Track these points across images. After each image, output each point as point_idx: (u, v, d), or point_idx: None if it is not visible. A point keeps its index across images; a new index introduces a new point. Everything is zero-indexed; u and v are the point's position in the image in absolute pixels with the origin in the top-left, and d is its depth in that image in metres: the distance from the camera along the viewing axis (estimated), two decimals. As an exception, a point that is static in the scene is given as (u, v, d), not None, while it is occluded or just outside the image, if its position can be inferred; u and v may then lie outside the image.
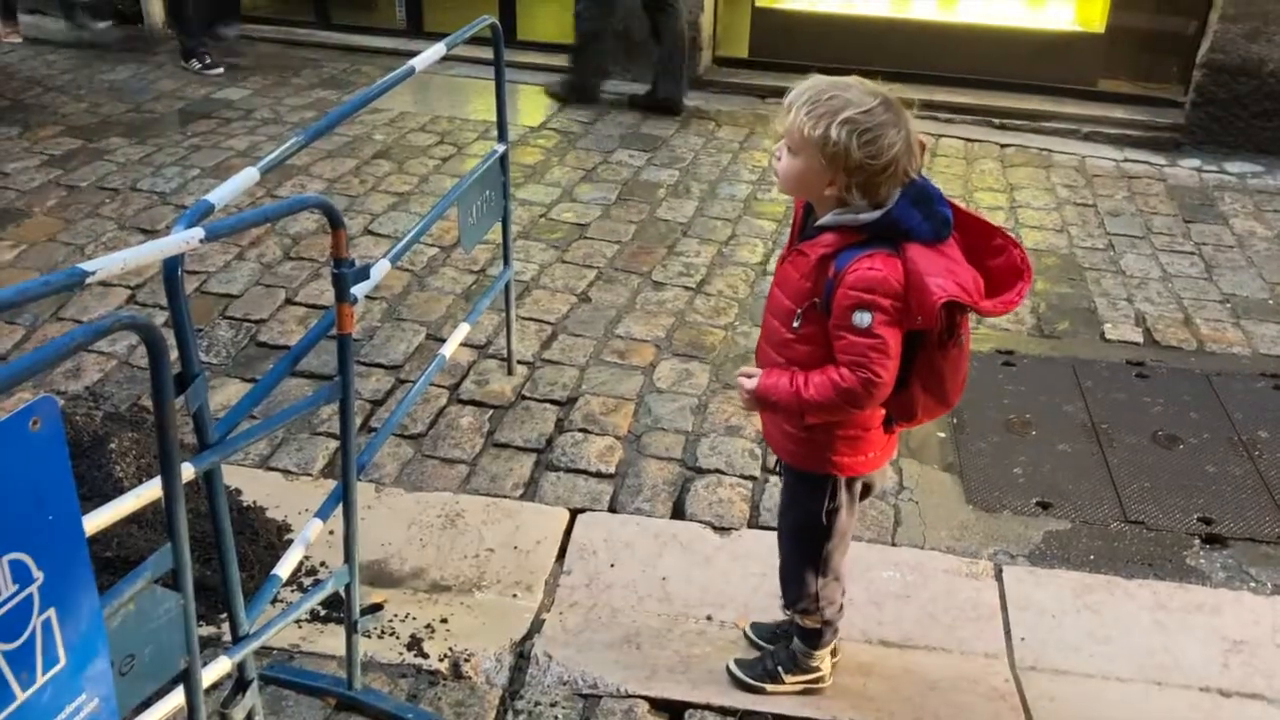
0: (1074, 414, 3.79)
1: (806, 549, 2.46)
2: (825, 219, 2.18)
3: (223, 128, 5.86)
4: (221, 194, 2.01)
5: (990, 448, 3.61)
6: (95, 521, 1.74)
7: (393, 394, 3.71)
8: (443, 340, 3.91)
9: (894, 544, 3.17)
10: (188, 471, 1.94)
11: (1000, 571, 3.09)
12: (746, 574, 3.04)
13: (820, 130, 2.07)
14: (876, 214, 2.12)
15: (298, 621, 2.81)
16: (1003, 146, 6.17)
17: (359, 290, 2.55)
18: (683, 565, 3.07)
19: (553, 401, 3.71)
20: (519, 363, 3.88)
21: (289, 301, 4.20)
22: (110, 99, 6.25)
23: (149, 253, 1.84)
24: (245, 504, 3.21)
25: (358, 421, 3.57)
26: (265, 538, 3.07)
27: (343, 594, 2.46)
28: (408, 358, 3.90)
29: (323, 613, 2.86)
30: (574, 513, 3.24)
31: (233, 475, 3.30)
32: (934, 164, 5.86)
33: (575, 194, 5.27)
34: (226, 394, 3.66)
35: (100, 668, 1.55)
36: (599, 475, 3.38)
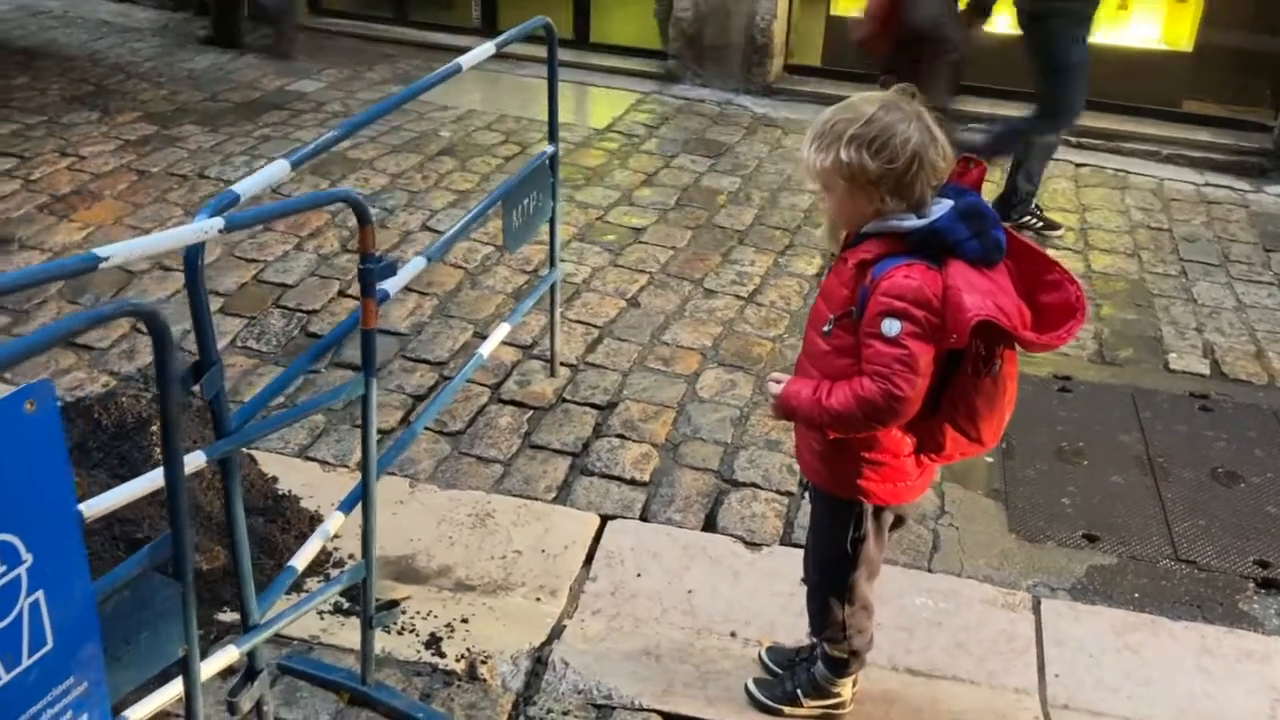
0: (1130, 445, 3.66)
1: (832, 578, 2.40)
2: (868, 226, 2.12)
3: (293, 119, 5.95)
4: (249, 185, 2.02)
5: (1038, 475, 3.50)
6: (96, 509, 1.76)
7: (435, 390, 3.72)
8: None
9: (929, 570, 3.08)
10: (199, 460, 1.95)
11: (1039, 604, 2.99)
12: (774, 592, 2.98)
13: (831, 158, 2.04)
14: (920, 222, 2.06)
15: (319, 613, 2.82)
16: (1078, 166, 6.00)
17: (390, 285, 2.55)
18: (710, 579, 3.02)
19: (593, 405, 3.69)
20: (562, 365, 3.86)
21: (342, 294, 4.24)
22: (188, 87, 6.39)
23: (168, 241, 1.85)
24: (280, 492, 3.24)
25: (398, 416, 3.59)
26: (297, 527, 3.10)
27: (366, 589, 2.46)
28: (453, 354, 3.91)
29: (345, 605, 2.86)
30: (604, 519, 3.21)
31: (271, 463, 3.34)
32: (1004, 182, 5.71)
33: (634, 198, 5.25)
34: (268, 382, 3.69)
35: (91, 652, 1.56)
36: (633, 482, 3.35)
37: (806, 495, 2.40)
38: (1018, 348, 2.11)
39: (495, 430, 3.54)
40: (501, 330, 3.36)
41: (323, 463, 3.38)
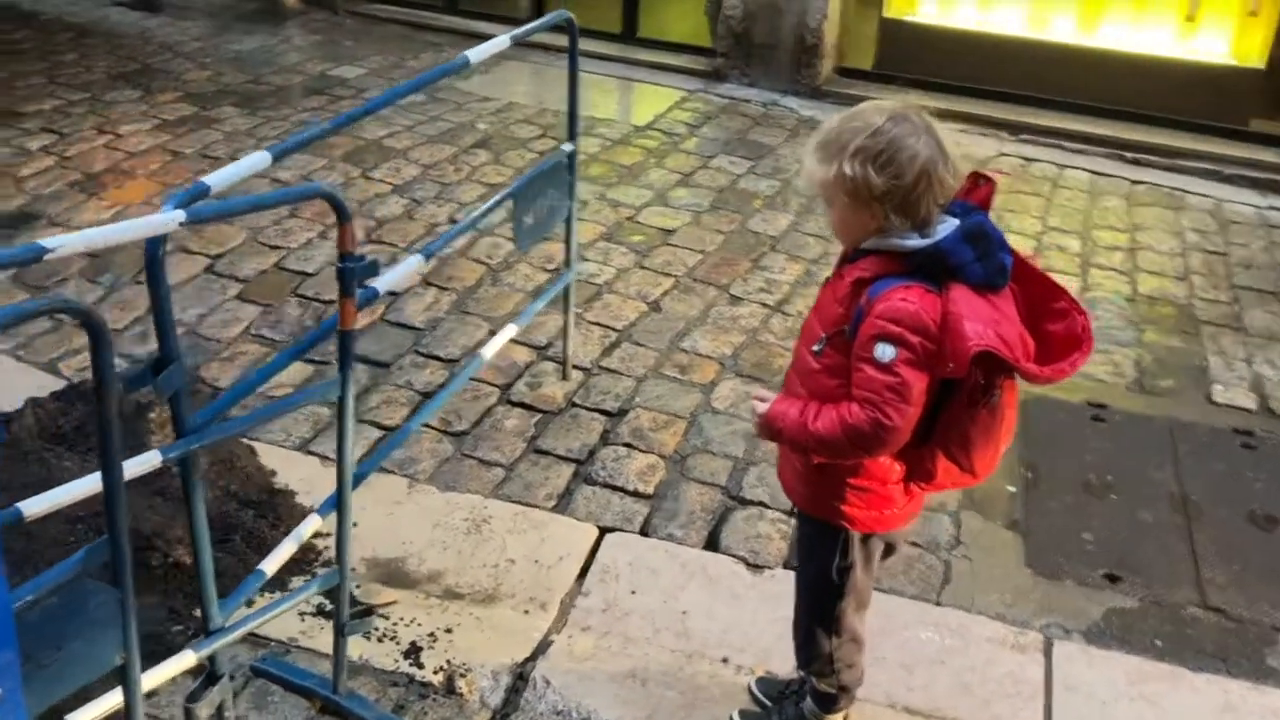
0: (1162, 480, 3.49)
1: (818, 606, 2.29)
2: (868, 242, 2.01)
3: (332, 105, 5.92)
4: (221, 177, 1.95)
5: (1062, 508, 3.34)
6: (34, 510, 1.69)
7: (444, 389, 3.64)
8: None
9: (938, 603, 2.95)
10: (154, 460, 1.88)
11: (1050, 646, 2.84)
12: (773, 618, 2.86)
13: (834, 170, 1.93)
14: (922, 242, 1.95)
15: (299, 614, 2.76)
16: (1133, 183, 5.78)
17: (381, 284, 2.48)
18: (707, 600, 2.91)
19: (602, 412, 3.59)
20: (575, 368, 3.77)
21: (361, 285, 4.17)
22: (232, 68, 6.39)
23: (124, 233, 1.78)
24: (277, 486, 3.18)
25: (403, 413, 3.52)
26: (288, 524, 3.03)
27: (357, 595, 2.38)
28: (466, 352, 3.83)
29: (328, 607, 2.79)
30: (603, 531, 3.11)
31: (271, 456, 3.29)
32: (1055, 196, 5.53)
33: (668, 198, 5.14)
34: (279, 376, 3.63)
35: (6, 659, 1.49)
36: (636, 494, 3.25)
37: (794, 514, 2.29)
38: (1019, 378, 1.99)
39: (500, 433, 3.46)
40: (508, 331, 3.27)
41: (323, 457, 3.32)
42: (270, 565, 2.28)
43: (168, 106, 5.69)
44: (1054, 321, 2.03)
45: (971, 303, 1.92)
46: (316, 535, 3.02)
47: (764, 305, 4.28)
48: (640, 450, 3.42)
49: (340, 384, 2.17)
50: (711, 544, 3.09)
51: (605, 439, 3.47)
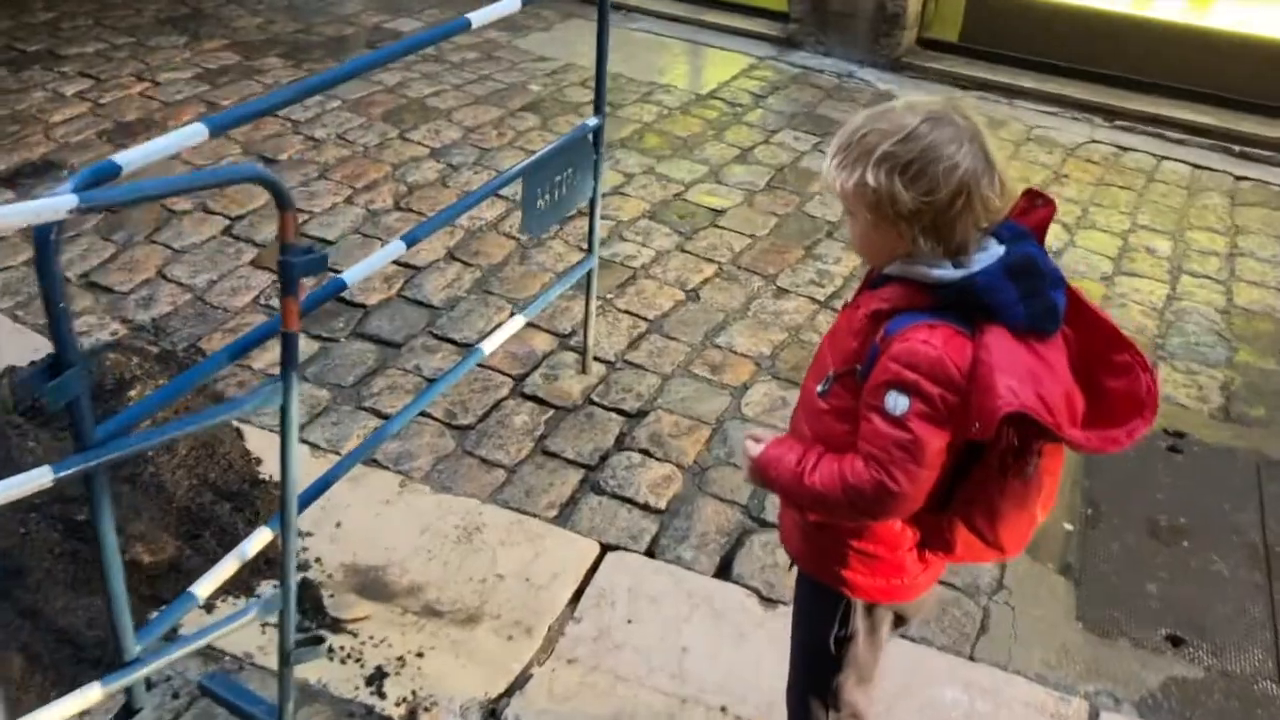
0: (1244, 526, 3.09)
1: (813, 676, 1.98)
2: (891, 267, 1.69)
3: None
4: (133, 157, 1.69)
5: (1123, 552, 2.97)
6: None
7: (439, 380, 3.38)
8: (530, 323, 3.56)
9: (971, 656, 2.62)
10: (44, 478, 1.64)
11: (1096, 717, 2.50)
12: (782, 663, 2.55)
13: (855, 179, 1.61)
14: (954, 273, 1.62)
15: (261, 626, 2.53)
16: (1237, 179, 5.27)
17: (350, 276, 2.21)
18: (710, 637, 2.62)
19: (620, 412, 3.30)
20: (598, 360, 3.48)
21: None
22: (284, 16, 6.17)
23: (8, 217, 1.53)
24: (260, 476, 2.96)
25: (406, 402, 3.27)
26: (265, 518, 2.81)
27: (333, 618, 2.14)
28: (482, 336, 3.56)
29: (295, 619, 2.56)
30: (605, 549, 2.84)
31: (258, 441, 3.08)
32: (1148, 191, 5.06)
33: (722, 174, 4.79)
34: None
35: None
36: (646, 509, 2.96)
37: (793, 565, 1.98)
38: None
39: (507, 430, 3.19)
40: (513, 324, 2.99)
41: (314, 446, 3.09)
42: (203, 588, 2.05)
43: (211, 55, 5.48)
44: (1113, 376, 1.69)
45: (1009, 351, 1.59)
46: (297, 534, 2.80)
47: (812, 300, 3.94)
48: (656, 458, 3.13)
49: (282, 392, 1.91)
50: (724, 570, 2.79)
51: (620, 443, 3.18)
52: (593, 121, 3.02)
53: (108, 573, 1.81)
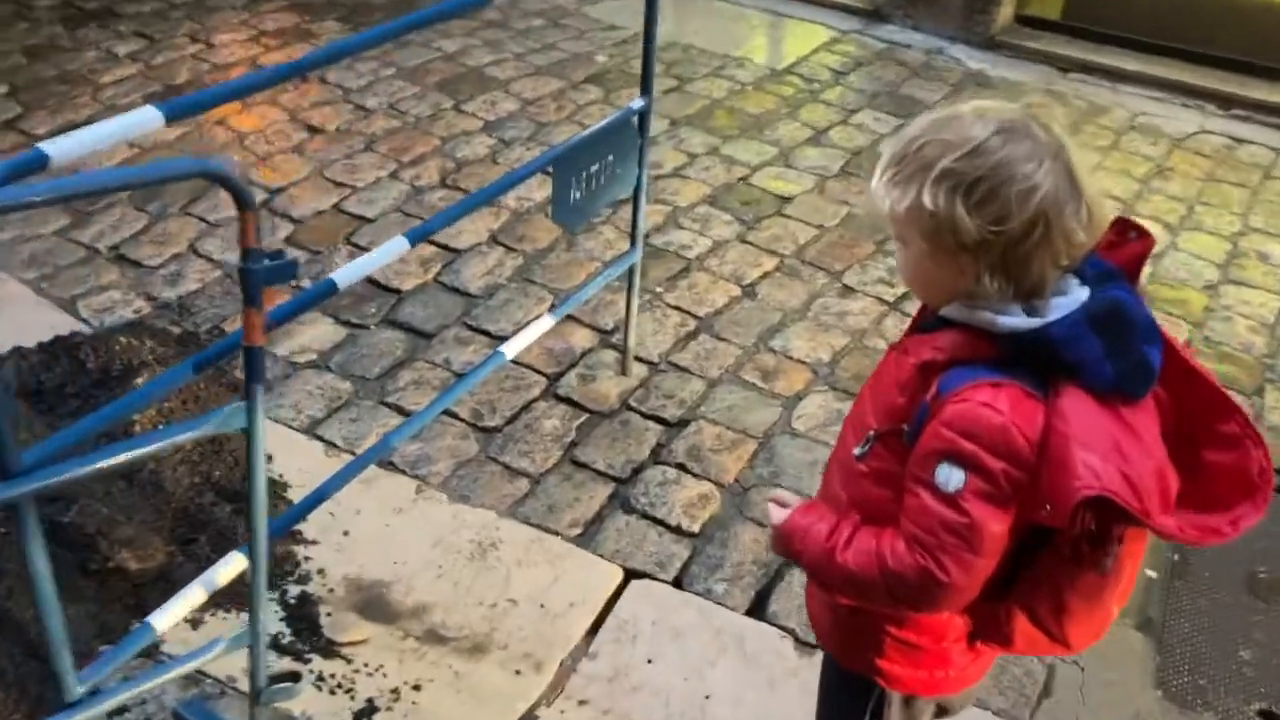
0: (1356, 585, 2.73)
1: (839, 767, 1.72)
2: (949, 308, 1.41)
3: (442, 25, 5.42)
4: (67, 146, 1.47)
5: (1215, 609, 2.64)
6: None
7: (458, 383, 3.16)
8: (569, 317, 3.32)
9: (1031, 724, 2.33)
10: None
11: (1172, 806, 2.20)
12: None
13: (910, 199, 1.33)
14: (1026, 322, 1.34)
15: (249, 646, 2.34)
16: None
17: (342, 278, 1.98)
18: (738, 683, 2.37)
19: (659, 420, 3.04)
20: (639, 360, 3.23)
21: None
22: (349, -22, 5.97)
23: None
24: (270, 475, 2.77)
25: (430, 398, 3.05)
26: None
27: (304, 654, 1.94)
28: (518, 328, 3.33)
29: (286, 638, 2.38)
30: (629, 575, 2.60)
31: (272, 436, 2.85)
32: (1264, 190, 4.61)
33: (793, 158, 4.48)
34: (306, 337, 3.24)
35: None
36: (677, 532, 2.71)
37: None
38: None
39: (535, 435, 2.96)
40: (541, 325, 2.74)
41: (329, 444, 2.90)
42: (164, 619, 1.85)
43: (269, 16, 5.31)
44: (1217, 449, 1.39)
45: (1090, 418, 1.30)
46: (299, 541, 2.62)
47: (880, 300, 3.62)
48: (694, 474, 2.87)
49: (246, 413, 1.69)
50: (758, 607, 2.53)
51: (656, 455, 2.93)
52: (638, 103, 2.75)
53: (43, 612, 1.62)
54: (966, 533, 1.33)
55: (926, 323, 1.49)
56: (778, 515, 1.54)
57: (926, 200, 1.33)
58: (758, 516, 2.77)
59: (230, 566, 1.93)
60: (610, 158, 2.69)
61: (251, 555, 1.81)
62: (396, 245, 2.09)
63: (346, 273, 2.00)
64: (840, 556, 1.44)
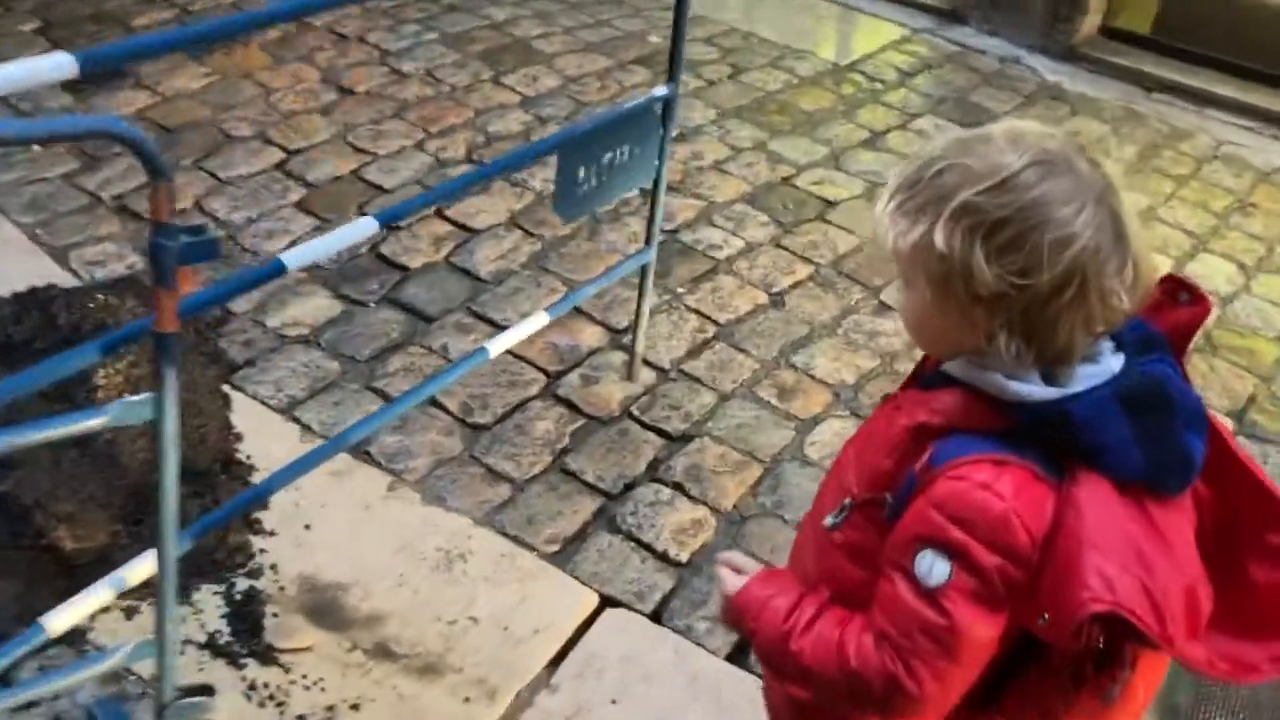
0: None
1: None
2: (952, 364, 1.18)
3: (492, -6, 5.22)
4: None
5: (1254, 698, 2.37)
6: None
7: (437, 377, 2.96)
8: (580, 311, 3.12)
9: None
10: None
11: None
12: (787, 785, 2.07)
13: (919, 234, 1.10)
14: (1044, 391, 1.12)
15: (185, 642, 2.17)
16: None
17: (291, 259, 1.78)
18: (706, 737, 2.15)
19: (661, 432, 2.82)
20: (648, 364, 3.00)
21: (439, 212, 3.52)
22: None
23: None
24: (237, 456, 2.60)
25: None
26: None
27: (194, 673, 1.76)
28: (522, 319, 3.12)
29: (224, 636, 2.20)
30: (604, 603, 2.39)
31: (246, 414, 2.74)
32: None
33: (844, 160, 4.21)
34: (299, 310, 3.06)
35: None
36: (664, 559, 2.49)
37: None
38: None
39: (526, 437, 2.76)
40: (535, 321, 2.53)
41: (305, 428, 2.72)
42: (59, 621, 1.67)
43: (319, -30, 5.13)
44: (1265, 564, 1.16)
45: (1110, 514, 1.08)
46: (257, 531, 2.44)
47: (918, 321, 3.36)
48: (690, 496, 2.65)
49: (155, 405, 1.50)
50: (740, 653, 2.31)
51: (652, 471, 2.71)
52: (662, 91, 2.51)
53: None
54: (946, 637, 1.11)
55: (927, 377, 1.26)
56: (731, 583, 1.32)
57: (938, 239, 1.10)
58: (755, 550, 2.54)
59: (143, 565, 1.75)
60: (626, 147, 2.46)
61: (159, 564, 1.62)
62: (362, 227, 1.89)
63: (299, 254, 1.80)
64: (796, 643, 1.22)
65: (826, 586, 1.27)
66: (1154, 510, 1.10)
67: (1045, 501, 1.10)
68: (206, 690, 1.94)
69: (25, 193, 3.38)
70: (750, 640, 1.30)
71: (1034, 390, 1.11)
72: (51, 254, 3.16)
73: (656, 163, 2.58)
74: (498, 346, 2.41)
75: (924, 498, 1.14)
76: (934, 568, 1.11)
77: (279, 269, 1.76)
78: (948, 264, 1.10)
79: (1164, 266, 3.58)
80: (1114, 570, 1.05)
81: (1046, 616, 1.08)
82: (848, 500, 1.24)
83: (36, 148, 3.59)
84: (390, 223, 1.99)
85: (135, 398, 1.50)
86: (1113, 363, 1.14)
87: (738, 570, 1.33)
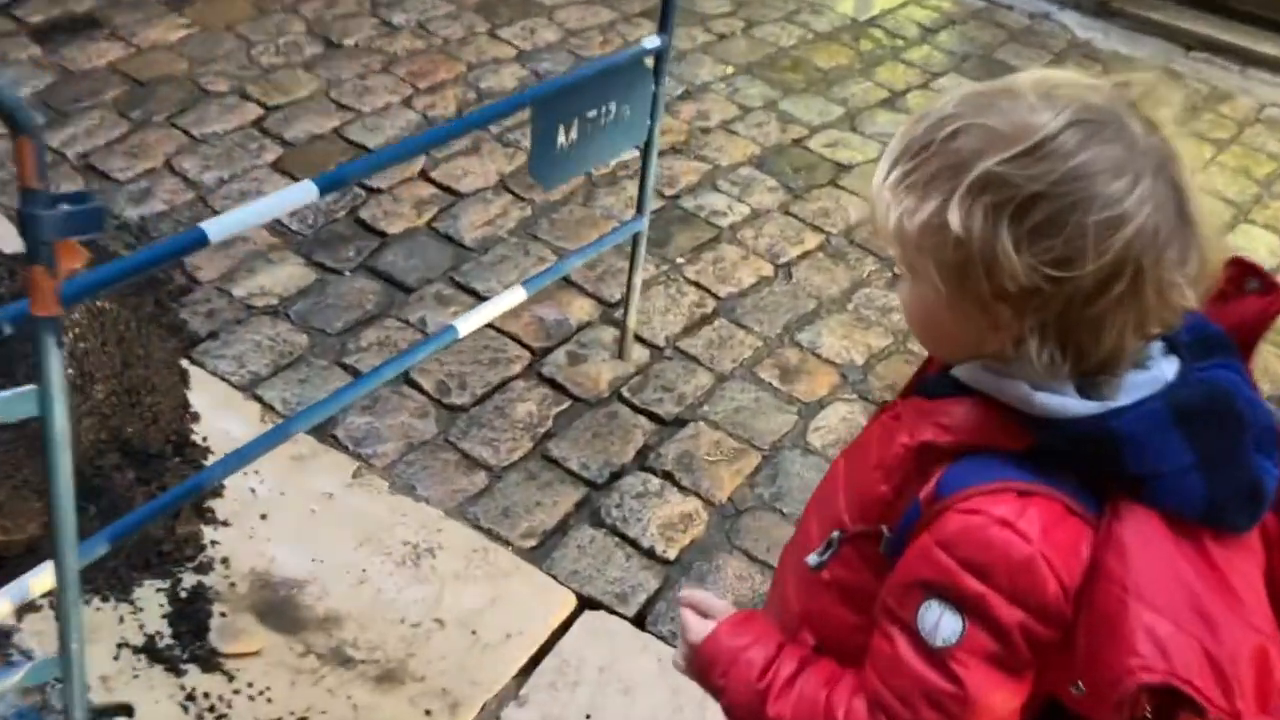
0: None
1: None
2: (965, 368, 0.95)
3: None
4: None
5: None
6: None
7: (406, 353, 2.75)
8: (569, 282, 2.90)
9: None
10: None
11: None
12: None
13: (928, 213, 0.89)
14: (1079, 406, 0.92)
15: (117, 646, 1.98)
16: None
17: (213, 230, 1.57)
18: (689, 758, 1.96)
19: (652, 416, 2.61)
20: (640, 342, 2.79)
21: (423, 174, 3.30)
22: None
23: None
24: (191, 437, 2.41)
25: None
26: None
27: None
28: (507, 289, 2.91)
29: (164, 640, 2.01)
30: (583, 604, 2.19)
31: (205, 391, 2.54)
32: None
33: (860, 121, 3.96)
34: (268, 278, 2.85)
35: None
36: (650, 556, 2.29)
37: None
38: None
39: (506, 420, 2.55)
40: (510, 296, 2.32)
41: (268, 406, 2.52)
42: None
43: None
44: None
45: (1162, 558, 0.87)
46: (209, 521, 2.25)
47: (935, 296, 3.12)
48: (681, 487, 2.44)
49: (38, 400, 1.30)
50: (730, 662, 2.10)
51: (641, 459, 2.50)
52: (653, 42, 2.28)
53: None
54: (955, 708, 0.90)
55: (932, 383, 1.04)
56: (696, 629, 1.11)
57: (953, 219, 0.87)
58: (749, 548, 2.33)
59: (41, 576, 1.55)
60: (613, 104, 2.23)
61: (59, 581, 1.43)
62: (298, 192, 1.67)
63: (224, 223, 1.58)
64: (774, 706, 1.02)
65: (811, 632, 1.07)
66: (1215, 552, 0.89)
67: (1080, 541, 0.89)
68: (125, 711, 1.75)
69: (-18, 151, 3.17)
70: (717, 698, 1.09)
71: (1068, 403, 0.89)
72: (7, 215, 2.95)
73: (648, 122, 2.34)
74: (471, 324, 2.19)
75: (929, 535, 0.93)
76: (942, 623, 0.90)
77: (199, 239, 1.54)
78: (965, 251, 0.88)
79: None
80: (1167, 630, 0.84)
81: (1082, 685, 0.88)
82: (835, 534, 1.03)
83: None
84: (331, 188, 1.77)
85: (13, 391, 1.30)
86: (1165, 369, 0.92)
87: (704, 613, 1.12)
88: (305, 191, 1.66)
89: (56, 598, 1.46)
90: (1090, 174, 0.85)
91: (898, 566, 0.96)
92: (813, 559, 1.04)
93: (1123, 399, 0.90)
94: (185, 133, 3.37)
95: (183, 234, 1.59)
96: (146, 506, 1.72)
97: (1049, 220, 0.85)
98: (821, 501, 1.12)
